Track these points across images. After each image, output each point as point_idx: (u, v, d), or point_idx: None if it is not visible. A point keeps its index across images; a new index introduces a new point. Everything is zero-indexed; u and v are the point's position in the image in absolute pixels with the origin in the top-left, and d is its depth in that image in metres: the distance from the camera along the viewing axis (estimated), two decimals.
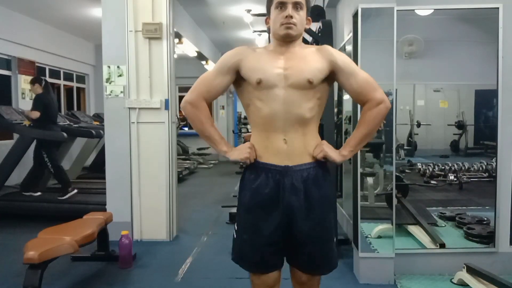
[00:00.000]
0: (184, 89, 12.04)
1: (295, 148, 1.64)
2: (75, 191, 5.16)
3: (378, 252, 3.08)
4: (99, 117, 7.46)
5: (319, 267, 1.74)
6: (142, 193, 4.05)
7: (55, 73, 8.34)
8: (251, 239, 1.71)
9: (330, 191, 1.73)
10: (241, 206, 1.75)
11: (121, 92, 4.03)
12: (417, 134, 6.05)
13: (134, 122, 4.02)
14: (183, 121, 11.05)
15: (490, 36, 3.11)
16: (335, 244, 1.76)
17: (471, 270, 2.83)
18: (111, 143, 4.12)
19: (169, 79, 4.06)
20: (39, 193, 5.18)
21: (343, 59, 1.69)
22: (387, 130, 3.21)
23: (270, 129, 1.65)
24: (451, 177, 5.41)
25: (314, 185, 1.66)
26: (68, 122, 6.27)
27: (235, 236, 1.79)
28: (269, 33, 4.75)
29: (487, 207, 3.71)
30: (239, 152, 1.68)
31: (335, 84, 1.82)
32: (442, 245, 3.20)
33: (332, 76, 1.70)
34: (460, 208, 4.50)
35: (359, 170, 3.07)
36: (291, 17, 1.62)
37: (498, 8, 2.97)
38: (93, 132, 5.91)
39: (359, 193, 3.07)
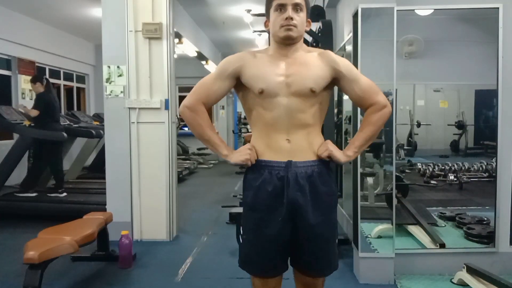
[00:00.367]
0: (184, 89, 12.05)
1: (299, 146, 1.64)
2: (64, 194, 5.14)
3: (378, 252, 3.08)
4: (99, 117, 7.46)
5: (322, 268, 1.73)
6: (142, 193, 4.05)
7: (55, 73, 8.34)
8: (257, 238, 1.68)
9: (335, 189, 1.73)
10: (245, 206, 1.73)
11: (121, 92, 4.03)
12: (417, 134, 6.05)
13: (134, 122, 4.02)
14: (183, 121, 11.03)
15: (490, 36, 3.11)
16: (336, 245, 1.76)
17: (471, 270, 2.83)
18: (111, 143, 4.12)
19: (169, 79, 4.06)
20: (35, 194, 5.15)
21: (346, 66, 1.69)
22: (387, 130, 3.20)
23: (273, 131, 1.65)
24: (451, 177, 5.41)
25: (319, 181, 1.64)
26: (68, 122, 6.27)
27: (241, 241, 1.77)
28: (269, 34, 4.75)
29: (487, 207, 3.70)
30: (239, 154, 1.67)
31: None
32: (442, 245, 3.20)
33: (334, 82, 1.70)
34: (460, 208, 4.50)
35: (359, 170, 3.07)
36: (292, 18, 1.60)
37: (498, 8, 2.97)
38: (93, 132, 5.92)
39: (359, 193, 3.07)
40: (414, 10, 3.26)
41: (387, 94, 3.13)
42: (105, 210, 3.94)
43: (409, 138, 6.05)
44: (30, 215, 4.79)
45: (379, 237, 3.25)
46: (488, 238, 3.23)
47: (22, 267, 2.68)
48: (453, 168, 5.52)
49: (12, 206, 4.91)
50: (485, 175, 5.30)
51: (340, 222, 4.28)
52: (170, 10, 4.08)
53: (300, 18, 1.62)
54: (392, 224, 3.11)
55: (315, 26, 3.99)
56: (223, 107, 11.43)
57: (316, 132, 1.69)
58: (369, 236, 3.22)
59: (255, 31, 8.09)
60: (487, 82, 3.54)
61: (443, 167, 5.57)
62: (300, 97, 1.62)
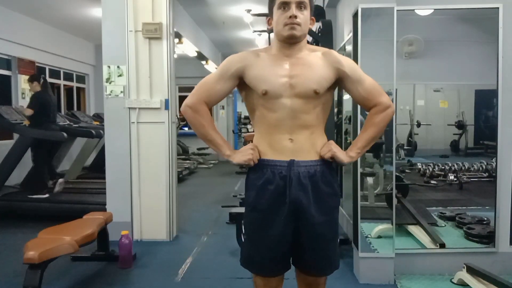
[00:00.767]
0: (184, 89, 12.05)
1: (302, 145, 1.63)
2: (47, 195, 5.05)
3: (378, 252, 3.08)
4: (99, 117, 7.46)
5: (324, 268, 1.73)
6: (142, 193, 4.05)
7: (55, 73, 8.34)
8: (259, 238, 1.68)
9: (337, 190, 1.72)
10: (248, 206, 1.72)
11: (121, 92, 4.03)
12: (417, 134, 6.05)
13: (134, 122, 4.02)
14: (183, 121, 11.03)
15: (490, 36, 3.11)
16: (338, 245, 1.77)
17: (471, 270, 2.83)
18: (111, 143, 4.11)
19: (169, 79, 4.06)
20: (47, 195, 5.08)
21: (350, 66, 1.69)
22: (387, 130, 3.19)
23: (276, 132, 1.64)
24: (451, 177, 5.41)
25: (322, 181, 1.64)
26: (68, 122, 6.28)
27: (243, 240, 1.78)
28: (269, 34, 4.74)
29: (487, 207, 3.70)
30: (242, 154, 1.66)
31: None
32: (442, 245, 3.20)
33: (338, 82, 1.70)
34: (460, 208, 4.50)
35: (359, 170, 3.07)
36: (295, 17, 1.57)
37: (498, 8, 2.97)
38: (93, 132, 5.91)
39: (359, 193, 3.07)
40: (414, 10, 3.26)
41: (387, 94, 3.14)
42: (105, 210, 3.94)
43: (409, 138, 6.05)
44: (30, 215, 4.79)
45: (379, 237, 3.25)
46: (488, 238, 3.23)
47: (22, 267, 2.68)
48: (453, 168, 5.52)
49: (12, 206, 4.91)
50: (485, 175, 5.31)
51: (340, 222, 4.28)
52: (170, 10, 4.08)
53: (304, 16, 1.60)
54: (392, 224, 3.11)
55: (315, 26, 3.99)
56: (223, 107, 11.43)
57: (319, 132, 1.69)
58: (369, 236, 3.22)
59: (255, 31, 8.09)
60: (487, 82, 3.54)
61: (443, 167, 5.57)
62: (304, 98, 1.61)
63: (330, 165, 1.69)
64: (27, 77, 5.72)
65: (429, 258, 3.20)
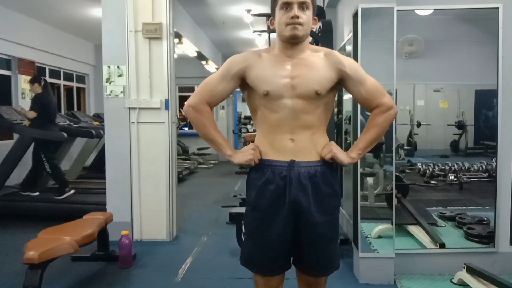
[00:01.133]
0: (184, 89, 12.06)
1: (303, 146, 1.63)
2: (72, 191, 5.14)
3: (378, 252, 3.08)
4: (99, 117, 7.46)
5: (325, 268, 1.73)
6: (142, 193, 4.05)
7: (55, 73, 8.34)
8: (259, 237, 1.68)
9: (338, 190, 1.72)
10: (248, 205, 1.72)
11: (121, 92, 4.03)
12: (417, 134, 6.05)
13: (134, 122, 4.02)
14: (183, 121, 11.05)
15: (490, 36, 3.11)
16: (338, 245, 1.77)
17: (471, 270, 2.83)
18: (111, 143, 4.12)
19: (169, 79, 4.06)
20: (37, 193, 5.16)
21: (352, 67, 1.68)
22: (387, 130, 3.20)
23: (277, 132, 1.64)
24: (451, 177, 5.41)
25: (322, 182, 1.64)
26: (68, 122, 6.27)
27: (243, 239, 1.78)
28: (269, 34, 4.75)
29: (487, 207, 3.71)
30: (243, 154, 1.66)
31: None
32: (442, 245, 3.20)
33: (340, 83, 1.69)
34: (460, 208, 4.50)
35: (359, 170, 3.07)
36: (297, 17, 1.57)
37: (498, 8, 2.97)
38: (93, 132, 5.91)
39: (359, 193, 3.07)
40: (414, 10, 3.26)
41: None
42: (105, 210, 3.94)
43: (409, 138, 6.05)
44: (30, 215, 4.79)
45: (379, 237, 3.25)
46: (488, 238, 3.23)
47: (22, 267, 2.68)
48: (453, 168, 5.52)
49: (12, 206, 4.92)
50: (485, 175, 5.31)
51: (340, 222, 4.25)
52: (170, 10, 4.08)
53: (306, 17, 1.59)
54: (392, 224, 3.11)
55: (315, 26, 3.98)
56: (223, 107, 11.44)
57: (321, 133, 1.69)
58: (369, 236, 3.22)
59: (255, 31, 8.08)
60: (487, 82, 3.54)
61: (443, 167, 5.57)
62: (305, 99, 1.61)
63: (331, 166, 1.69)
64: (27, 77, 5.73)
65: (429, 258, 3.20)
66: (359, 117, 3.04)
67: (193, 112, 1.69)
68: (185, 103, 1.72)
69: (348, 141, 4.13)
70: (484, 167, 5.42)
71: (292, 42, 1.62)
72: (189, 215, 5.06)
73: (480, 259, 2.99)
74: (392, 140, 3.11)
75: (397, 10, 2.93)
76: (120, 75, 4.02)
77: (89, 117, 7.53)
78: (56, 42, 7.95)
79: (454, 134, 6.00)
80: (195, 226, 4.66)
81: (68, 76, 8.90)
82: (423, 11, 3.39)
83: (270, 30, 4.46)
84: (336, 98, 4.60)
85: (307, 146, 1.64)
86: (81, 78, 9.44)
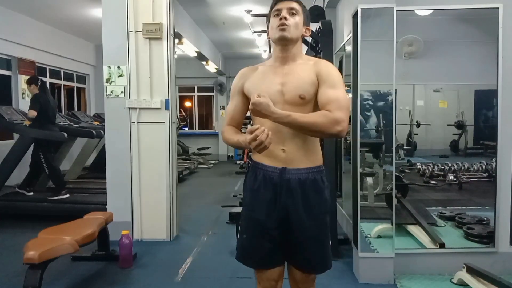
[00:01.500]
0: (184, 89, 12.08)
1: (294, 155, 1.69)
2: (67, 195, 5.10)
3: (378, 252, 3.09)
4: (99, 117, 7.46)
5: (315, 267, 1.79)
6: (142, 193, 4.06)
7: (55, 73, 8.34)
8: (252, 236, 1.77)
9: (327, 195, 1.76)
10: (244, 206, 1.85)
11: (122, 92, 4.03)
12: (417, 134, 6.05)
13: (134, 122, 4.02)
14: (183, 121, 11.06)
15: (490, 36, 3.12)
16: (330, 246, 1.80)
17: (471, 270, 2.83)
18: (111, 143, 4.12)
19: (169, 79, 4.06)
20: (31, 194, 5.15)
21: (329, 72, 1.69)
22: (387, 130, 3.21)
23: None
24: (451, 177, 5.41)
25: (312, 188, 1.70)
26: (68, 122, 6.28)
27: (238, 235, 1.86)
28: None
29: (487, 207, 3.71)
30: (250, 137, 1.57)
31: None
32: (442, 245, 3.20)
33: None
34: (460, 208, 4.51)
35: (359, 170, 3.07)
36: (285, 18, 1.68)
37: (498, 8, 2.98)
38: (94, 132, 5.92)
39: (359, 193, 3.07)
40: (414, 10, 3.26)
41: (387, 94, 3.15)
42: (105, 210, 3.95)
43: (409, 138, 6.05)
44: (30, 215, 4.79)
45: (379, 237, 3.25)
46: (488, 238, 3.23)
47: (22, 267, 2.69)
48: (452, 168, 5.53)
49: (12, 206, 4.92)
50: (485, 175, 5.31)
51: (340, 222, 4.28)
52: (170, 10, 4.09)
53: (294, 21, 1.70)
54: (392, 224, 3.11)
55: (315, 26, 3.99)
56: (223, 107, 11.45)
57: (311, 139, 1.71)
58: (369, 236, 3.23)
59: (255, 32, 8.09)
60: (487, 82, 3.54)
61: (442, 167, 5.57)
62: (294, 105, 1.66)
63: (321, 172, 1.74)
64: (27, 77, 5.73)
65: (429, 258, 3.20)
66: (359, 117, 3.04)
67: (223, 136, 1.86)
68: None
69: (348, 141, 4.13)
70: (484, 167, 5.41)
71: (281, 44, 1.72)
72: (189, 215, 5.07)
73: (480, 259, 2.99)
74: (391, 140, 3.11)
75: (396, 11, 2.94)
76: (120, 75, 4.02)
77: (89, 117, 7.54)
78: (56, 42, 7.95)
79: (453, 134, 6.00)
80: (195, 226, 4.67)
81: (69, 76, 8.91)
82: (423, 12, 3.39)
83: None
84: None
85: (298, 154, 1.69)
86: (81, 78, 9.45)
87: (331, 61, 3.54)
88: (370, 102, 3.32)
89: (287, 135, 1.67)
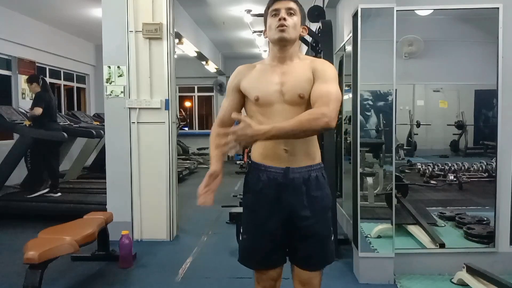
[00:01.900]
0: (184, 89, 12.07)
1: (296, 154, 1.69)
2: (59, 194, 5.11)
3: (378, 252, 3.08)
4: (99, 117, 7.46)
5: (317, 263, 1.78)
6: (142, 193, 4.05)
7: (55, 73, 8.34)
8: (255, 238, 1.77)
9: (329, 192, 1.79)
10: (246, 208, 1.83)
11: (122, 92, 4.03)
12: (417, 134, 6.06)
13: (134, 122, 4.02)
14: (183, 121, 11.05)
15: (490, 36, 3.12)
16: (332, 241, 1.81)
17: (471, 270, 2.83)
18: (111, 143, 4.12)
19: (169, 79, 4.06)
20: (37, 193, 5.14)
21: (324, 68, 1.70)
22: (387, 130, 3.21)
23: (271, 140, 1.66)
24: (451, 177, 5.41)
25: (315, 185, 1.71)
26: (68, 122, 6.28)
27: (240, 238, 1.85)
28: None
29: (487, 207, 3.71)
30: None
31: None
32: (442, 245, 3.20)
33: None
34: (460, 208, 4.50)
35: (359, 170, 3.07)
36: (284, 19, 1.68)
37: (498, 8, 2.98)
38: (94, 132, 5.92)
39: (359, 193, 3.07)
40: (414, 10, 3.26)
41: (387, 94, 3.15)
42: (105, 210, 3.94)
43: (409, 138, 6.06)
44: (30, 215, 4.79)
45: (379, 237, 3.25)
46: (488, 238, 3.23)
47: (22, 267, 2.69)
48: (453, 168, 5.53)
49: (12, 206, 4.92)
50: (485, 175, 5.31)
51: (340, 222, 4.28)
52: (170, 10, 4.09)
53: (292, 21, 1.70)
54: (392, 224, 3.11)
55: (315, 26, 3.99)
56: None
57: (312, 138, 1.73)
58: (369, 236, 3.23)
59: (254, 32, 8.09)
60: (487, 82, 3.54)
61: (443, 167, 5.57)
62: (293, 105, 1.67)
63: (322, 168, 1.77)
64: (27, 77, 5.73)
65: (429, 258, 3.20)
66: (359, 117, 3.04)
67: (211, 136, 1.83)
68: None
69: (348, 141, 4.13)
70: (484, 167, 5.42)
71: (280, 44, 1.71)
72: (189, 215, 5.06)
73: (480, 259, 2.99)
74: (392, 140, 3.11)
75: (396, 10, 2.94)
76: (120, 75, 4.02)
77: (89, 117, 7.53)
78: (56, 42, 7.95)
79: (453, 134, 6.00)
80: (195, 226, 4.67)
81: (69, 76, 8.91)
82: (423, 11, 3.39)
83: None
84: None
85: (300, 153, 1.70)
86: (81, 78, 9.45)
87: (331, 61, 3.54)
88: (370, 102, 3.31)
89: None
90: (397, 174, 3.89)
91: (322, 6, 4.74)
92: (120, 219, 3.84)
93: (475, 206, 4.61)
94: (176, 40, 6.41)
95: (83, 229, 3.07)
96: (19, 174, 5.53)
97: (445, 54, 4.70)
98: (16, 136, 5.71)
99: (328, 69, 1.71)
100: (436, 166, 5.63)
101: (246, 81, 1.76)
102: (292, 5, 1.71)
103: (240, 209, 4.17)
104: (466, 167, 5.53)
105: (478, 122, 5.81)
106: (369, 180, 4.10)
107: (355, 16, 3.02)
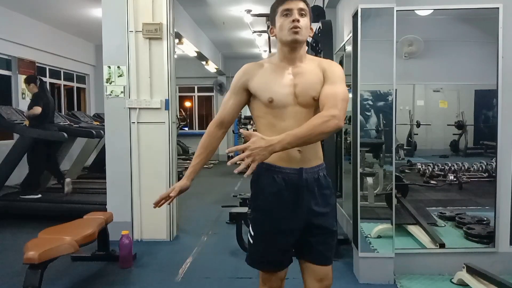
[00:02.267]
0: (184, 89, 12.07)
1: (308, 155, 1.71)
2: (40, 196, 5.06)
3: (378, 252, 3.09)
4: (99, 117, 7.46)
5: (330, 256, 1.83)
6: (142, 193, 4.05)
7: (55, 73, 8.34)
8: (270, 239, 1.75)
9: (333, 187, 1.87)
10: (259, 210, 1.78)
11: (122, 92, 4.04)
12: (417, 134, 6.05)
13: (134, 122, 4.02)
14: (183, 121, 11.05)
15: (490, 36, 3.11)
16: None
17: (471, 270, 2.83)
18: (111, 143, 4.12)
19: (169, 79, 4.06)
20: (39, 195, 5.12)
21: (332, 69, 1.72)
22: (387, 130, 3.21)
23: None
24: (451, 177, 5.41)
25: (324, 183, 1.76)
26: (68, 122, 6.28)
27: (251, 241, 1.80)
28: (269, 35, 4.75)
29: (487, 207, 3.71)
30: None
31: None
32: (442, 245, 3.20)
33: None
34: (460, 208, 4.50)
35: (359, 170, 3.07)
36: (298, 21, 1.66)
37: (498, 8, 2.98)
38: (94, 132, 5.92)
39: (359, 193, 3.07)
40: (414, 10, 3.26)
41: (387, 94, 3.15)
42: (105, 210, 3.95)
43: (409, 138, 6.05)
44: (30, 215, 4.79)
45: (379, 237, 3.25)
46: (488, 238, 3.23)
47: (22, 267, 2.69)
48: (452, 168, 5.52)
49: (12, 206, 4.92)
50: (485, 175, 5.31)
51: (340, 222, 4.28)
52: (170, 10, 4.09)
53: (305, 23, 1.69)
54: (392, 224, 3.11)
55: (315, 26, 3.98)
56: None
57: None
58: (369, 236, 3.23)
59: (254, 32, 8.09)
60: (487, 82, 3.54)
61: (443, 167, 5.57)
62: (306, 107, 1.69)
63: (325, 168, 1.80)
64: (25, 77, 5.74)
65: (429, 258, 3.20)
66: (359, 117, 3.04)
67: (205, 133, 1.83)
68: None
69: (348, 141, 4.13)
70: (484, 167, 5.41)
71: (293, 46, 1.70)
72: (189, 215, 5.07)
73: (480, 259, 2.99)
74: (392, 140, 3.11)
75: (397, 10, 2.94)
76: (120, 75, 4.02)
77: (89, 117, 7.54)
78: (56, 42, 7.95)
79: (453, 134, 6.00)
80: (195, 226, 4.67)
81: (69, 76, 8.91)
82: (423, 11, 3.39)
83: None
84: None
85: (311, 154, 1.72)
86: (81, 78, 9.45)
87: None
88: (370, 102, 3.31)
89: None
90: (397, 174, 3.89)
91: (322, 6, 4.74)
92: (120, 219, 3.84)
93: (475, 206, 4.61)
94: (176, 40, 6.41)
95: (83, 229, 3.07)
96: (19, 174, 5.53)
97: (445, 54, 4.70)
98: (16, 136, 5.71)
99: (336, 70, 1.73)
100: (436, 166, 5.63)
101: (256, 81, 1.73)
102: (303, 5, 1.70)
103: (240, 209, 4.19)
104: (466, 167, 5.52)
105: (478, 122, 5.81)
106: (369, 180, 4.09)
107: (355, 16, 3.02)
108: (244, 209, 4.16)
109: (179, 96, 11.41)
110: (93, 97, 9.66)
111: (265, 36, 8.11)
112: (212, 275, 3.30)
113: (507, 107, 3.02)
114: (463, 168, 5.53)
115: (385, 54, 2.98)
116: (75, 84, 9.20)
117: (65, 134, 5.24)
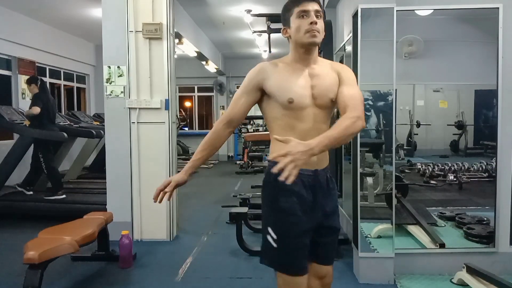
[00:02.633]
0: (184, 89, 12.08)
1: (321, 156, 1.73)
2: (64, 196, 5.08)
3: (378, 252, 3.09)
4: (99, 117, 7.46)
5: (333, 256, 1.89)
6: (142, 193, 4.05)
7: (55, 73, 8.34)
8: (297, 241, 1.72)
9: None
10: (283, 211, 1.72)
11: (122, 92, 4.04)
12: (417, 134, 6.06)
13: (134, 122, 4.02)
14: (183, 121, 11.06)
15: (490, 36, 3.11)
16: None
17: (471, 270, 2.83)
18: (111, 143, 4.12)
19: (169, 79, 4.06)
20: (31, 193, 5.16)
21: (346, 72, 1.78)
22: (387, 130, 3.21)
23: None
24: (451, 177, 5.41)
25: (331, 182, 1.81)
26: (68, 122, 6.28)
27: (274, 245, 1.72)
28: (269, 34, 4.75)
29: (487, 207, 3.71)
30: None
31: None
32: (442, 245, 3.20)
33: None
34: (460, 208, 4.51)
35: (359, 170, 3.07)
36: (316, 23, 1.67)
37: (498, 8, 2.98)
38: (94, 132, 5.92)
39: (359, 193, 3.07)
40: (414, 10, 3.26)
41: (387, 94, 3.15)
42: (105, 210, 3.95)
43: (409, 138, 6.06)
44: (30, 215, 4.79)
45: (379, 237, 3.25)
46: (488, 238, 3.23)
47: (22, 267, 2.68)
48: (452, 168, 5.53)
49: (12, 206, 4.92)
50: (485, 175, 5.31)
51: (340, 222, 4.28)
52: (170, 10, 4.09)
53: (321, 25, 1.70)
54: (392, 224, 3.11)
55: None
56: (223, 107, 11.45)
57: None
58: (369, 236, 3.23)
59: (254, 32, 8.08)
60: (487, 82, 3.54)
61: (442, 167, 5.58)
62: (323, 109, 1.73)
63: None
64: (27, 77, 5.74)
65: (429, 258, 3.20)
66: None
67: (212, 128, 1.85)
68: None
69: (348, 141, 4.13)
70: (484, 167, 5.42)
71: (310, 48, 1.72)
72: (189, 215, 5.07)
73: (480, 259, 2.99)
74: (392, 140, 3.11)
75: (397, 10, 2.94)
76: (120, 75, 4.02)
77: (89, 117, 7.54)
78: (56, 42, 7.95)
79: (453, 134, 6.01)
80: (195, 226, 4.67)
81: (69, 76, 8.91)
82: (423, 11, 3.39)
83: (270, 31, 4.45)
84: None
85: (324, 155, 1.76)
86: (81, 78, 9.45)
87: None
88: (370, 102, 3.32)
89: (316, 136, 1.62)
90: (397, 174, 3.89)
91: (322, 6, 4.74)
92: (120, 219, 3.84)
93: (475, 206, 4.62)
94: (176, 40, 6.41)
95: (83, 229, 3.07)
96: (19, 174, 5.53)
97: (445, 54, 4.70)
98: (16, 136, 5.71)
99: (349, 73, 1.78)
100: (436, 166, 5.63)
101: (273, 81, 1.70)
102: (319, 7, 1.70)
103: (240, 209, 4.18)
104: (466, 167, 5.53)
105: (478, 122, 5.82)
106: (369, 180, 4.10)
107: (355, 16, 3.02)
108: (244, 209, 4.16)
109: (179, 96, 11.42)
110: (93, 97, 9.66)
111: (265, 36, 8.09)
112: (212, 275, 3.30)
113: (507, 107, 3.02)
114: (463, 168, 5.53)
115: (385, 54, 2.98)
116: (75, 84, 9.20)
117: (65, 134, 5.24)
